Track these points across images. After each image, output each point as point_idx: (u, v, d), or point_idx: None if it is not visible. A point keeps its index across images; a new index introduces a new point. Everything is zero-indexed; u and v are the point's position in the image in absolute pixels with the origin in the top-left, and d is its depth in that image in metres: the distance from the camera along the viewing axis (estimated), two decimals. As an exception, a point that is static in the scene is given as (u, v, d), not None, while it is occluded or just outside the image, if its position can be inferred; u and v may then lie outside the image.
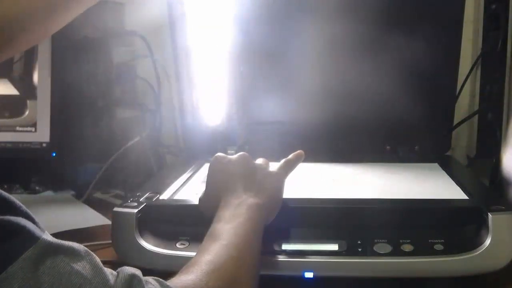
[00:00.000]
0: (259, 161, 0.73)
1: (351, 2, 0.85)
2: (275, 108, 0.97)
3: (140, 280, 0.43)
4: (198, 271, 0.51)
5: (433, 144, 0.98)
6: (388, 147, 0.98)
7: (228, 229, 0.59)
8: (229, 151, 1.01)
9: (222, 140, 1.02)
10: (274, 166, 0.73)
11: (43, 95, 1.10)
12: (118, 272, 0.43)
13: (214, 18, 0.92)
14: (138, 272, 0.45)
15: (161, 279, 0.46)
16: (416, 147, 0.98)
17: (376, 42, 0.89)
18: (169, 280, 0.48)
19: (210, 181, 0.70)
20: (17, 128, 1.13)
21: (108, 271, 0.42)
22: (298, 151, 0.77)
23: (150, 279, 0.45)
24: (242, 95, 0.98)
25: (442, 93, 0.91)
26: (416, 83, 0.90)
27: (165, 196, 0.77)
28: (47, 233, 0.41)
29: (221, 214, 0.63)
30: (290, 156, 0.76)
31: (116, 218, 0.71)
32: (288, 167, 0.74)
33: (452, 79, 0.92)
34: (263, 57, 0.95)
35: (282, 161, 0.75)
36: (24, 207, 0.41)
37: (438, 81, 0.90)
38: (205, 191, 0.69)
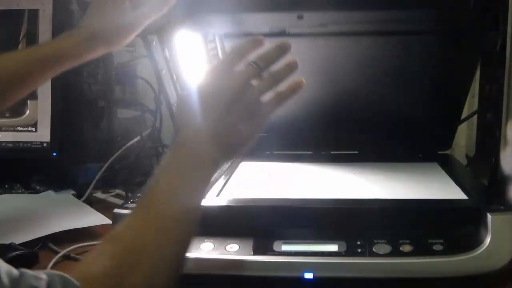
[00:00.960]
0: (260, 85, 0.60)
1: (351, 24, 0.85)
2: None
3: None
4: (109, 258, 0.48)
5: (433, 144, 0.98)
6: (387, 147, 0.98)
7: (163, 193, 0.53)
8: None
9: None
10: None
11: (44, 95, 1.10)
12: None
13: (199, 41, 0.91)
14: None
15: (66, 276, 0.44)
16: (416, 147, 0.98)
17: (377, 42, 0.89)
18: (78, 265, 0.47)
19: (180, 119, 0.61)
20: (18, 128, 1.13)
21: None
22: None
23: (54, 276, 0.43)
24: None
25: (449, 91, 0.91)
26: (416, 82, 0.90)
27: (165, 196, 0.77)
28: None
29: (169, 161, 0.56)
30: (284, 89, 0.62)
31: (117, 218, 0.71)
32: (278, 103, 0.62)
33: (462, 78, 0.91)
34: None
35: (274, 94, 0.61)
36: None
37: (446, 81, 0.89)
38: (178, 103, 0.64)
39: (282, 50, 0.62)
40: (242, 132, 0.59)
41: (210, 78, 0.59)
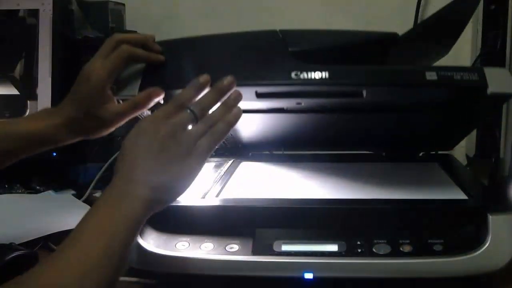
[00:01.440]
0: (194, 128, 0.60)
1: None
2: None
3: None
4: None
5: (433, 144, 0.98)
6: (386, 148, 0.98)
7: (88, 233, 0.51)
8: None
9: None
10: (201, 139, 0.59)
11: (44, 95, 1.10)
12: None
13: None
14: None
15: None
16: (416, 147, 0.98)
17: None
18: None
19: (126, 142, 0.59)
20: (18, 128, 1.13)
21: None
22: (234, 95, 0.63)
23: None
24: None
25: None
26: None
27: (165, 196, 0.77)
28: None
29: (98, 202, 0.55)
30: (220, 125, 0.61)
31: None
32: (215, 140, 0.60)
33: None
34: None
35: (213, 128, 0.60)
36: None
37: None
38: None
39: (220, 93, 0.63)
40: (175, 172, 0.57)
41: (145, 123, 0.59)
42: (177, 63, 0.73)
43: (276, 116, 0.85)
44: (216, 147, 0.61)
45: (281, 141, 0.97)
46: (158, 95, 0.70)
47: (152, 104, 0.70)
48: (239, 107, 0.63)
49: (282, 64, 0.69)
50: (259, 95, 0.72)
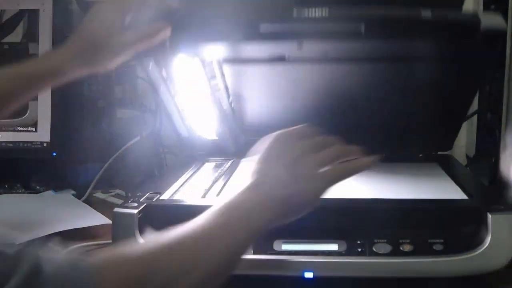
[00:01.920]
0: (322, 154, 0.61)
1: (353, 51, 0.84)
2: (271, 113, 0.97)
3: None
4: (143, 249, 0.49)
5: (433, 144, 0.98)
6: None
7: (218, 225, 0.53)
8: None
9: (218, 150, 1.02)
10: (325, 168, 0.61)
11: (44, 95, 1.10)
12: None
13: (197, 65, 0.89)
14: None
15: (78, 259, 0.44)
16: (416, 147, 0.98)
17: (377, 41, 0.89)
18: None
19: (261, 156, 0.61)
20: (18, 128, 1.13)
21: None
22: (373, 157, 0.63)
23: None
24: (235, 104, 0.98)
25: (455, 94, 0.91)
26: (417, 81, 0.90)
27: (165, 196, 0.78)
28: None
29: (233, 197, 0.56)
30: (356, 161, 0.63)
31: (117, 218, 0.71)
32: (339, 173, 0.62)
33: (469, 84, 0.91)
34: (254, 64, 0.94)
35: (341, 165, 0.62)
36: None
37: (453, 85, 0.89)
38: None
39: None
40: (302, 189, 0.58)
41: (283, 137, 0.61)
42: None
43: (276, 82, 0.88)
44: (338, 182, 0.61)
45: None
46: (165, 29, 0.72)
47: (159, 38, 0.72)
48: (369, 160, 0.63)
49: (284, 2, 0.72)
50: (262, 35, 0.73)
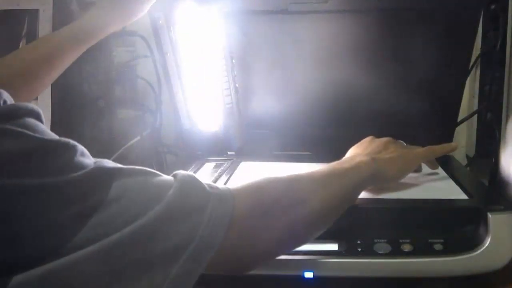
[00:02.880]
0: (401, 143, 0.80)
1: (353, 2, 0.85)
2: (273, 110, 0.97)
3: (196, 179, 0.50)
4: (248, 184, 0.56)
5: (433, 144, 0.98)
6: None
7: (326, 169, 0.64)
8: (229, 153, 1.02)
9: (220, 143, 1.02)
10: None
11: (44, 95, 1.10)
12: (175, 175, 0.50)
13: (204, 20, 0.92)
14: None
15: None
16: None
17: (376, 40, 0.89)
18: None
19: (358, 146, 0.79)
20: (18, 128, 1.13)
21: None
22: (451, 143, 0.86)
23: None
24: (237, 98, 0.98)
25: (444, 91, 0.91)
26: (417, 81, 0.90)
27: (165, 196, 0.77)
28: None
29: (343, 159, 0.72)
30: (436, 146, 0.82)
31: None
32: (427, 152, 0.80)
33: (456, 77, 0.91)
34: (257, 59, 0.95)
35: (430, 146, 0.81)
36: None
37: (440, 80, 0.89)
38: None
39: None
40: (393, 156, 0.75)
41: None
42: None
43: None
44: (427, 159, 0.83)
45: (281, 140, 0.98)
46: None
47: None
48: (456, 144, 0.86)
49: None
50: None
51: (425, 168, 0.91)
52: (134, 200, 0.44)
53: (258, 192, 0.56)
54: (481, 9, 0.86)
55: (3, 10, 1.15)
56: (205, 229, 0.47)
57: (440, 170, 0.89)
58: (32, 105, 0.45)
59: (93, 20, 0.79)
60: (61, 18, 1.12)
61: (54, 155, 0.42)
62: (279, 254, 0.59)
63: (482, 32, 0.95)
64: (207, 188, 0.50)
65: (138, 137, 1.13)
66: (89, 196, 0.42)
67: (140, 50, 1.13)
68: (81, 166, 0.43)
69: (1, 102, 0.43)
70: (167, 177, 0.50)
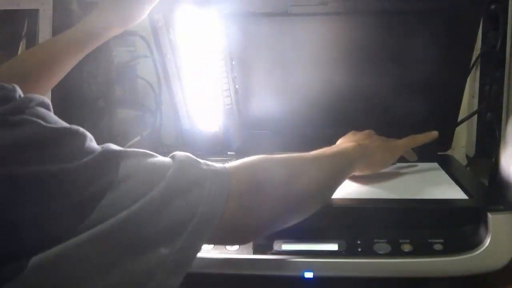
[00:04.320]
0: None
1: (353, 3, 0.85)
2: (273, 111, 0.97)
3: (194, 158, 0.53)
4: (243, 162, 0.59)
5: (433, 144, 0.98)
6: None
7: (317, 152, 0.68)
8: (229, 153, 1.02)
9: (220, 144, 1.02)
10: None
11: (44, 96, 1.10)
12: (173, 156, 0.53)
13: (204, 22, 0.92)
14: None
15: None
16: (416, 147, 0.98)
17: (377, 42, 0.89)
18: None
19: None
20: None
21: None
22: (432, 132, 0.87)
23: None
24: (237, 99, 0.98)
25: (444, 92, 0.91)
26: (417, 81, 0.90)
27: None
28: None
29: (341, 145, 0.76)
30: (418, 135, 0.86)
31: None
32: (409, 141, 0.85)
33: (456, 78, 0.91)
34: (257, 61, 0.95)
35: (411, 136, 0.86)
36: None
37: (441, 80, 0.89)
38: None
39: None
40: (376, 144, 0.80)
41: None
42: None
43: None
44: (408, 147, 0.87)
45: (282, 140, 0.98)
46: None
47: None
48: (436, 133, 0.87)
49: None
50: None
51: (425, 168, 0.91)
52: (140, 179, 0.47)
53: (253, 168, 0.59)
54: (482, 10, 0.86)
55: (3, 10, 1.15)
56: (206, 204, 0.50)
57: (440, 170, 0.89)
58: (43, 97, 0.48)
59: (93, 25, 0.80)
60: (61, 18, 1.12)
61: (67, 142, 0.45)
62: (275, 228, 0.62)
63: (482, 32, 0.95)
64: (204, 165, 0.53)
65: (138, 137, 1.13)
66: (101, 177, 0.45)
67: (140, 50, 1.14)
68: (91, 151, 0.46)
69: (17, 96, 0.45)
70: (166, 158, 0.53)
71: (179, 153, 0.53)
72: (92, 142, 0.48)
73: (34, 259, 0.40)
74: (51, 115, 0.47)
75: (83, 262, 0.42)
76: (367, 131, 0.83)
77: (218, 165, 0.55)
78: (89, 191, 0.43)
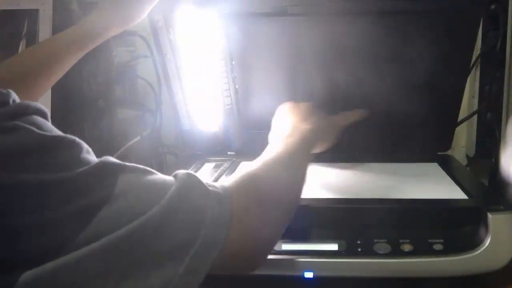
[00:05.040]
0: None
1: (353, 4, 0.85)
2: (273, 111, 0.97)
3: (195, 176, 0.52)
4: (240, 180, 0.57)
5: (433, 144, 0.98)
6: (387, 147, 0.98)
7: (279, 147, 0.67)
8: (229, 153, 1.02)
9: (220, 144, 1.02)
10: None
11: (44, 95, 1.09)
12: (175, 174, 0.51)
13: (203, 22, 0.92)
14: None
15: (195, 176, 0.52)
16: (416, 147, 0.98)
17: (377, 42, 0.89)
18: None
19: (275, 119, 0.80)
20: (18, 128, 1.12)
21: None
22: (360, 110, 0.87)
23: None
24: (237, 99, 0.98)
25: (444, 92, 0.91)
26: (417, 82, 0.90)
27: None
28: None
29: (278, 137, 0.72)
30: (348, 112, 0.86)
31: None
32: (343, 117, 0.85)
33: (456, 78, 0.91)
34: (257, 61, 0.95)
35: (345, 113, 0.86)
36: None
37: (441, 80, 0.89)
38: (272, 128, 0.80)
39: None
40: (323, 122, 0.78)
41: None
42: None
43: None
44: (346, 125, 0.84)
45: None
46: None
47: None
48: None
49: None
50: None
51: (425, 168, 0.91)
52: (139, 196, 0.45)
53: (247, 190, 0.57)
54: (482, 10, 0.86)
55: (3, 10, 1.15)
56: (209, 226, 0.48)
57: (440, 170, 0.89)
58: (39, 104, 0.46)
59: (93, 24, 0.79)
60: (61, 18, 1.13)
61: (61, 151, 0.43)
62: (277, 240, 0.61)
63: (482, 32, 0.95)
64: (206, 186, 0.52)
65: (138, 137, 1.13)
66: (96, 190, 0.43)
67: (140, 50, 1.13)
68: (87, 162, 0.44)
69: (11, 101, 0.44)
70: (167, 177, 0.51)
71: (181, 172, 0.51)
72: (88, 154, 0.46)
73: (26, 275, 0.39)
74: (47, 123, 0.45)
75: (79, 280, 0.40)
76: (306, 104, 0.81)
77: (219, 185, 0.54)
78: (84, 202, 0.42)
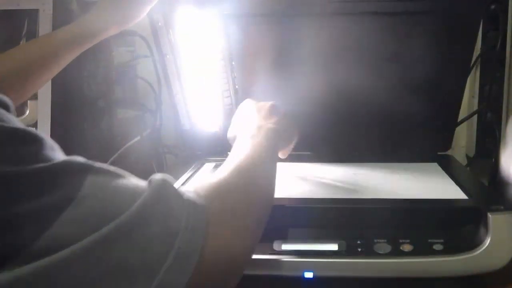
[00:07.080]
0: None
1: (352, 4, 0.85)
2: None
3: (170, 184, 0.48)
4: (213, 187, 0.54)
5: (433, 144, 0.98)
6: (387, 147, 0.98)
7: (246, 148, 0.64)
8: (229, 153, 1.02)
9: (220, 144, 1.02)
10: None
11: (44, 95, 1.10)
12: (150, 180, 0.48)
13: (203, 22, 0.92)
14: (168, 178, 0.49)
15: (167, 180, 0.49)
16: (416, 147, 0.98)
17: (377, 42, 0.89)
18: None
19: (236, 118, 0.77)
20: (18, 128, 1.12)
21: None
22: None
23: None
24: (237, 99, 0.98)
25: (444, 92, 0.91)
26: (417, 82, 0.90)
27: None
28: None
29: (242, 137, 0.69)
30: None
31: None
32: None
33: (456, 78, 0.91)
34: (257, 61, 0.95)
35: None
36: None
37: (441, 81, 0.90)
38: (231, 126, 0.76)
39: None
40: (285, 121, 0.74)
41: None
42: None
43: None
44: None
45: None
46: None
47: None
48: None
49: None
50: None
51: (425, 168, 0.91)
52: (107, 199, 0.42)
53: (220, 197, 0.54)
54: (482, 10, 0.86)
55: (3, 10, 1.15)
56: (183, 237, 0.44)
57: (439, 170, 0.89)
58: (1, 95, 0.44)
59: (92, 23, 0.79)
60: (61, 18, 1.12)
61: (19, 145, 0.41)
62: (254, 249, 0.58)
63: (482, 32, 0.95)
64: (181, 194, 0.48)
65: (138, 137, 1.13)
66: (58, 189, 0.40)
67: (140, 50, 1.13)
68: (48, 159, 0.41)
69: None
70: (141, 181, 0.48)
71: (156, 178, 0.48)
72: (52, 151, 0.43)
73: None
74: (8, 115, 0.42)
75: None
76: (268, 103, 0.76)
77: (193, 192, 0.50)
78: (43, 201, 0.38)
